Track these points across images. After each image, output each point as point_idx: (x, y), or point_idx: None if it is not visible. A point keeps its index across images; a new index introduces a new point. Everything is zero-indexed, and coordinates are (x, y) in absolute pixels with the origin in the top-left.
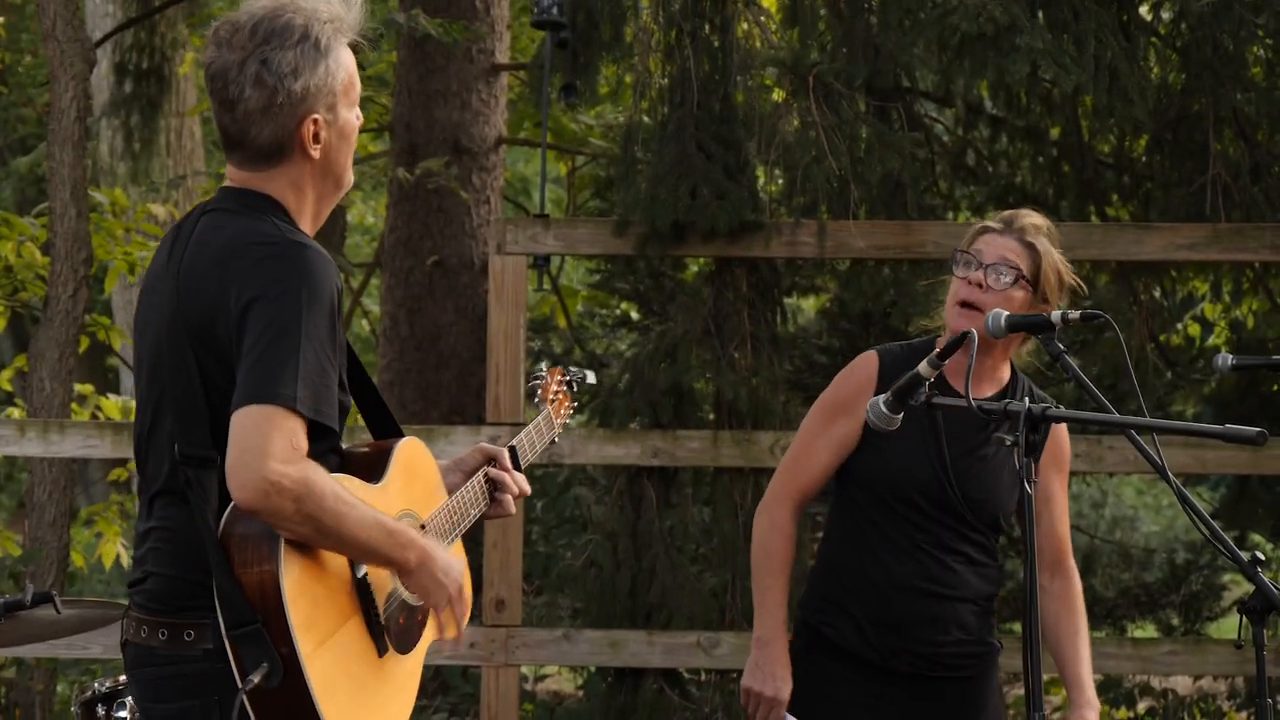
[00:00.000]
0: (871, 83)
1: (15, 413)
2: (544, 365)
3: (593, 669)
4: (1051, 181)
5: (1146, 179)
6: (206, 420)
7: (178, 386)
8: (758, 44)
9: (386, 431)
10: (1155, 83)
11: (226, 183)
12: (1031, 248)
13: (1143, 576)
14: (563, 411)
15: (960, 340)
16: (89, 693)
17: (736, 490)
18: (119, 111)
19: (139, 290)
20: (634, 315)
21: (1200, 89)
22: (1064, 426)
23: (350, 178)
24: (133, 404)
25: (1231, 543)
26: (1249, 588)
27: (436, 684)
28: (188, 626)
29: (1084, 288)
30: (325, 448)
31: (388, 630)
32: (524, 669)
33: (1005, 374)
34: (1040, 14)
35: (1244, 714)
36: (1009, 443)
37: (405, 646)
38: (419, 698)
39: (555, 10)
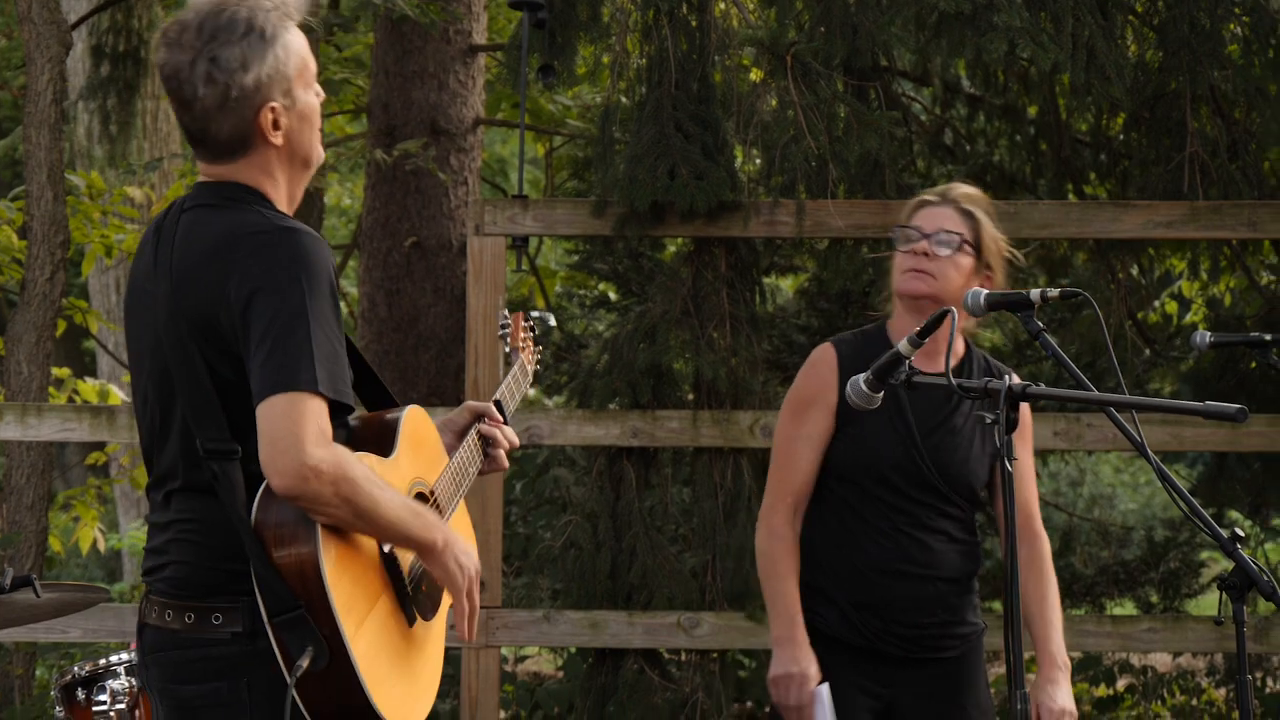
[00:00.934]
0: (849, 62)
1: None
2: (505, 311)
3: (573, 650)
4: (1029, 160)
5: (1124, 157)
6: (221, 413)
7: (186, 384)
8: (735, 23)
9: (380, 401)
10: (1133, 61)
11: (200, 178)
12: (970, 215)
13: (1121, 554)
14: (533, 356)
15: (940, 318)
16: (69, 676)
17: (716, 470)
18: (96, 94)
19: (126, 293)
20: (612, 296)
21: (1177, 67)
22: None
23: (319, 154)
24: (110, 388)
25: (1211, 520)
26: (1227, 565)
27: None
28: (215, 610)
29: (1019, 259)
30: (339, 424)
31: (414, 600)
32: (504, 650)
33: (961, 347)
34: None
35: (1223, 690)
36: (989, 420)
37: (430, 612)
38: None
39: None
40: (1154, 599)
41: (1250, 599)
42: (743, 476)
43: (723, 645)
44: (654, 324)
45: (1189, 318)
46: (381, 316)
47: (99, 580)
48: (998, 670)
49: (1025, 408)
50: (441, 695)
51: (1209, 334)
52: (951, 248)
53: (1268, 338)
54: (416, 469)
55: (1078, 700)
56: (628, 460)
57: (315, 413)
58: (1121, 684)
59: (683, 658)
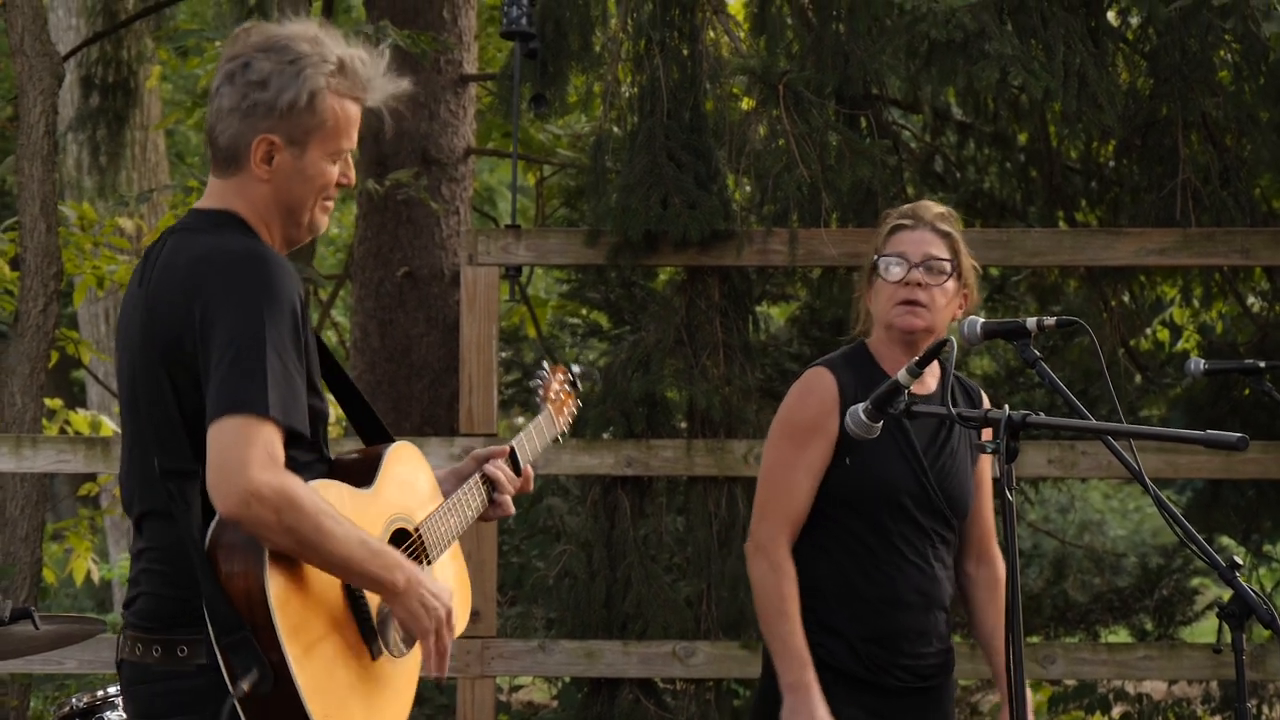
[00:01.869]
0: (841, 90)
1: None
2: (546, 364)
3: (568, 679)
4: (1020, 187)
5: (1115, 184)
6: (184, 435)
7: (153, 405)
8: (726, 53)
9: (375, 437)
10: (1124, 88)
11: (197, 204)
12: (948, 236)
13: (1114, 581)
14: (565, 411)
15: (939, 347)
16: (67, 709)
17: (710, 499)
18: (85, 125)
19: (117, 321)
20: (604, 324)
21: (1169, 94)
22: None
23: (315, 222)
24: (102, 419)
25: (1209, 548)
26: (1220, 591)
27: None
28: (181, 643)
29: (978, 268)
30: (309, 457)
31: (381, 634)
32: (499, 680)
33: (936, 367)
34: (1009, 21)
35: (1218, 718)
36: (989, 450)
37: (400, 648)
38: None
39: (524, 21)
40: (1149, 626)
41: (1248, 627)
42: (737, 505)
43: (718, 674)
44: (648, 353)
45: (1180, 345)
46: (374, 346)
47: (89, 610)
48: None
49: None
50: None
51: (1203, 361)
52: (943, 276)
53: (1262, 365)
54: (400, 504)
55: None
56: (622, 489)
57: (265, 438)
58: (1117, 712)
59: (678, 687)
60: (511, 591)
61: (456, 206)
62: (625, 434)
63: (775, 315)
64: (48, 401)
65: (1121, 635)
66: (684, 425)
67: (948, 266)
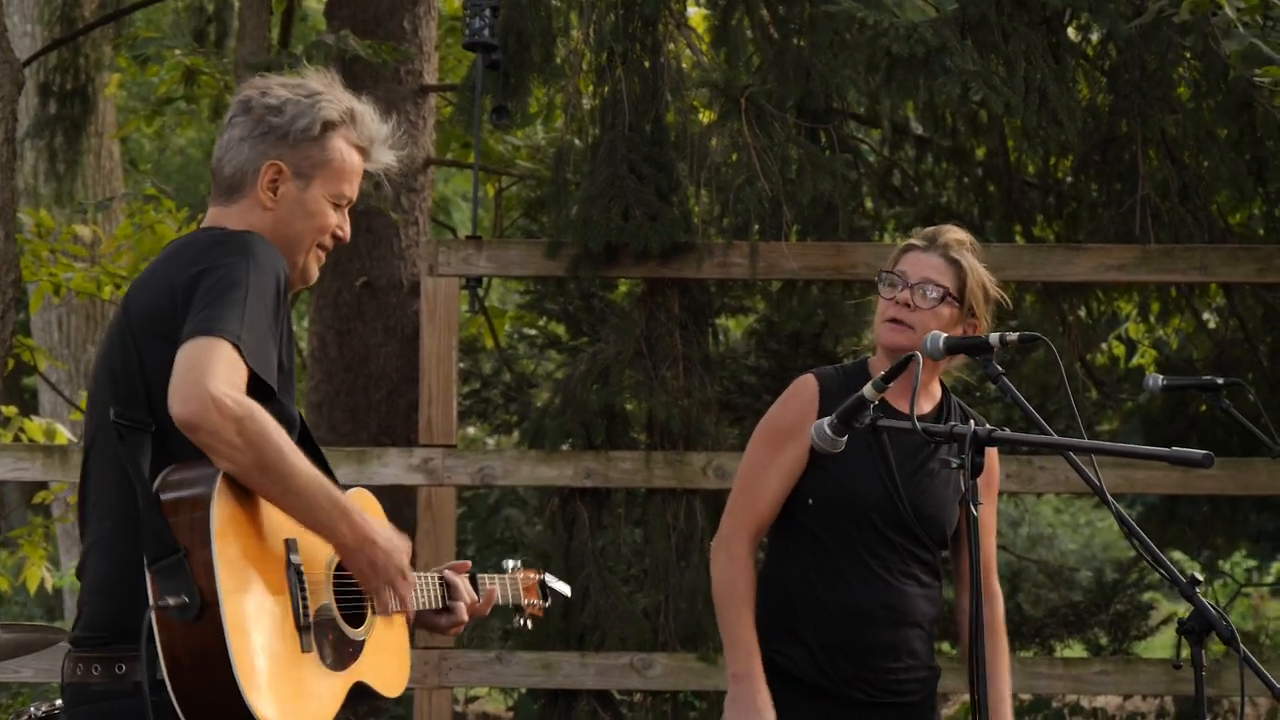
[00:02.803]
0: (802, 104)
1: None
2: (518, 564)
3: (525, 690)
4: (977, 201)
5: (1073, 199)
6: (141, 389)
7: (115, 370)
8: (688, 65)
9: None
10: (1084, 104)
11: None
12: (956, 264)
13: (1069, 595)
14: (530, 600)
15: (904, 363)
16: (25, 717)
17: (669, 511)
18: (43, 132)
19: None
20: (562, 336)
21: (1128, 110)
22: (994, 452)
23: (308, 269)
24: (57, 426)
25: (1170, 565)
26: (1174, 606)
27: (368, 706)
28: (119, 660)
29: (1009, 302)
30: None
31: (311, 631)
32: (455, 690)
33: (938, 391)
34: (969, 36)
35: None
36: (955, 465)
37: (332, 663)
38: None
39: (486, 32)
40: (1103, 641)
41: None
42: (695, 518)
43: (675, 686)
44: (607, 365)
45: (1136, 360)
46: (332, 356)
47: (38, 618)
48: (946, 712)
49: (994, 459)
50: None
51: (1161, 377)
52: (934, 300)
53: (1220, 381)
54: None
55: None
56: (580, 501)
57: (231, 359)
58: None
59: (635, 699)
60: None
61: (415, 217)
62: (584, 445)
63: (732, 328)
64: (3, 409)
65: (1076, 650)
66: (643, 437)
67: (940, 293)
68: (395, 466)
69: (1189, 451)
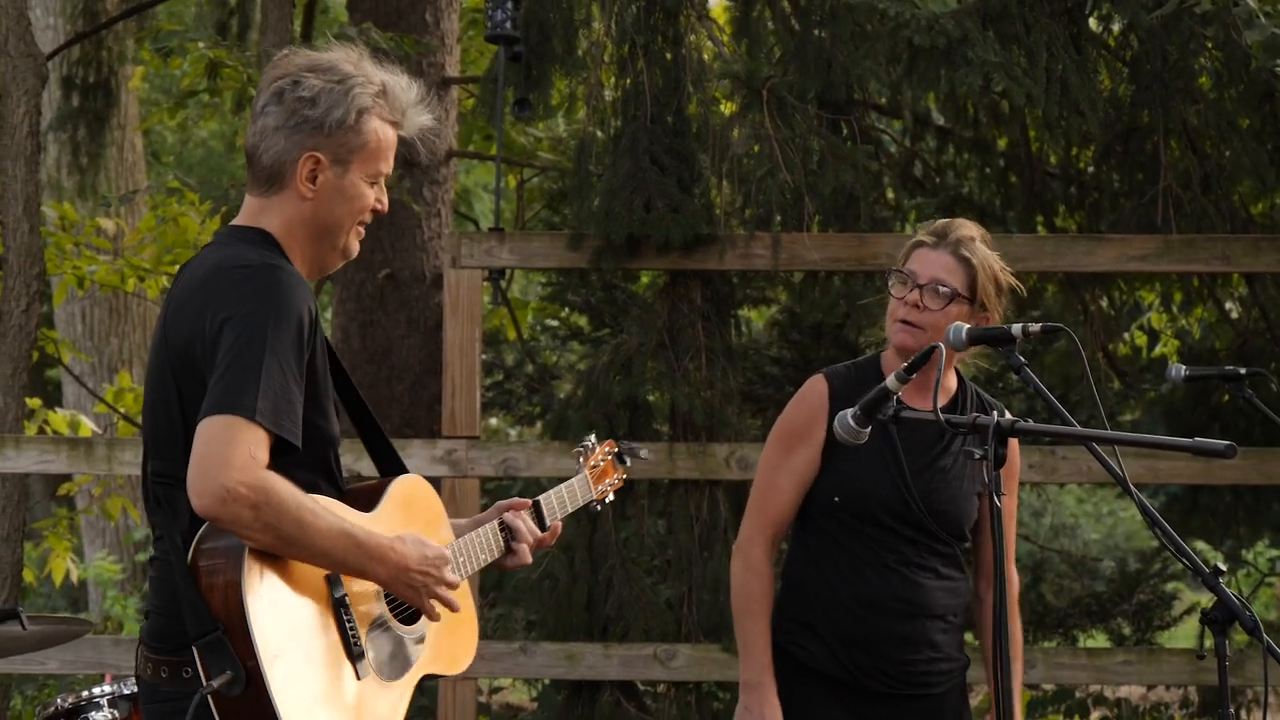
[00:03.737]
0: (823, 95)
1: None
2: (593, 436)
3: (548, 681)
4: (999, 192)
5: (1094, 190)
6: (181, 441)
7: (157, 410)
8: (709, 57)
9: (393, 470)
10: (1105, 94)
11: (234, 220)
12: (966, 261)
13: (1092, 586)
14: (606, 481)
15: (926, 355)
16: (52, 709)
17: (692, 502)
18: (66, 125)
19: None
20: (584, 328)
21: (1149, 100)
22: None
23: (349, 246)
24: (80, 418)
25: (1194, 554)
26: (1196, 596)
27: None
28: (186, 664)
29: (1023, 290)
30: (310, 478)
31: (369, 655)
32: (479, 681)
33: (953, 383)
34: (991, 27)
35: None
36: (978, 456)
37: (392, 673)
38: None
39: (509, 25)
40: (1126, 631)
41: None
42: (718, 508)
43: (699, 677)
44: (630, 356)
45: (1158, 350)
46: (355, 348)
47: (63, 610)
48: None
49: (1015, 448)
50: None
51: (1184, 367)
52: (944, 300)
53: (1242, 371)
54: (402, 532)
55: None
56: None
57: (249, 438)
58: (1095, 716)
59: (659, 689)
60: (493, 593)
61: (438, 209)
62: (607, 436)
63: (754, 319)
64: (28, 401)
65: (1099, 640)
66: (666, 429)
67: (949, 293)
68: (418, 458)
69: (1211, 441)
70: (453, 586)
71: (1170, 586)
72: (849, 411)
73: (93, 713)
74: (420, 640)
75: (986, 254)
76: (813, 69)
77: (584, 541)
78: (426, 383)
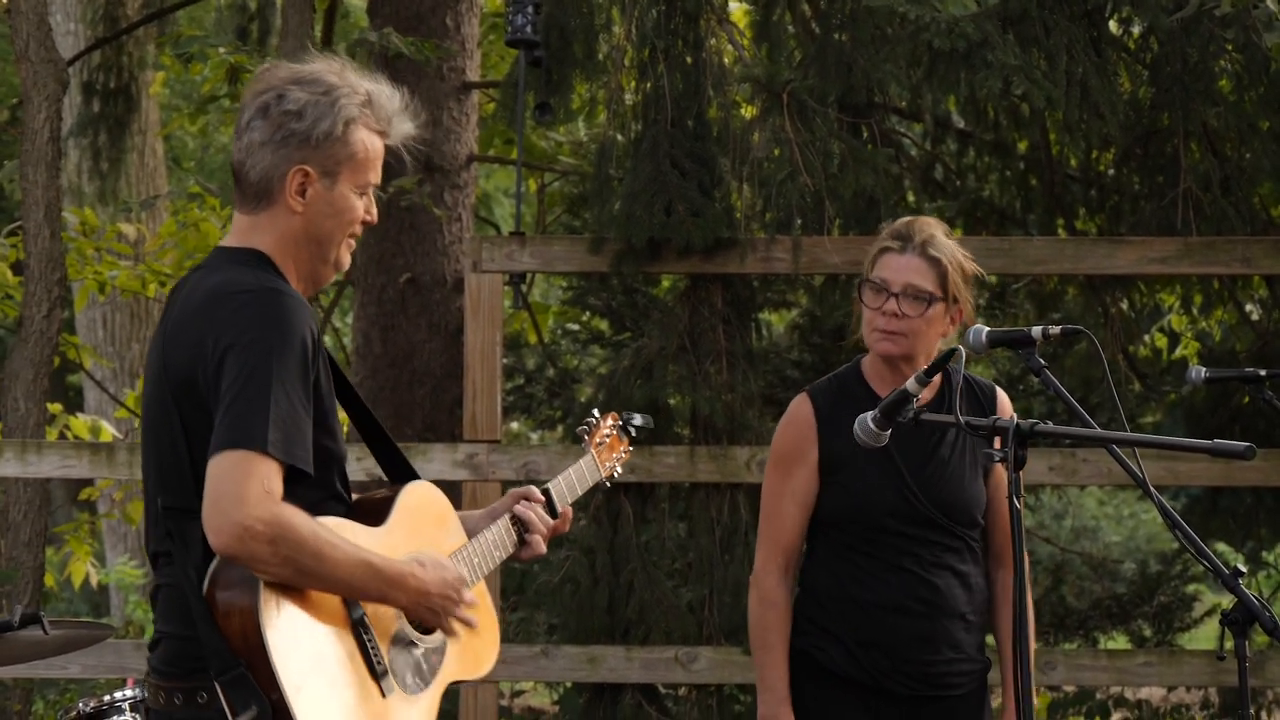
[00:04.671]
0: (843, 99)
1: None
2: (595, 411)
3: (570, 684)
4: (1019, 195)
5: (1114, 192)
6: (189, 471)
7: (160, 439)
8: (729, 60)
9: (402, 475)
10: (1125, 97)
11: (223, 240)
12: (936, 261)
13: (1113, 587)
14: (614, 455)
15: (946, 358)
16: (74, 713)
17: (713, 505)
18: (86, 131)
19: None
20: (605, 331)
21: (1170, 103)
22: (1008, 405)
23: (341, 258)
24: (101, 423)
25: (1214, 556)
26: (1217, 598)
27: None
28: (200, 689)
29: (984, 274)
30: (318, 496)
31: (392, 671)
32: (501, 684)
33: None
34: (1011, 30)
35: None
36: (997, 459)
37: (417, 686)
38: None
39: (529, 29)
40: (1147, 633)
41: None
42: (739, 511)
43: (720, 680)
44: (651, 360)
45: (1179, 352)
46: (376, 353)
47: (84, 614)
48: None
49: (1005, 404)
50: None
51: (1204, 369)
52: (922, 305)
53: (1263, 373)
54: (415, 544)
55: None
56: (625, 496)
57: (260, 473)
58: (1116, 717)
59: (680, 692)
60: (514, 597)
61: (459, 213)
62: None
63: (775, 322)
64: (49, 406)
65: (1120, 641)
66: (686, 432)
67: (926, 298)
68: (440, 462)
69: (1231, 444)
70: (472, 605)
71: (1191, 588)
72: (869, 415)
73: (114, 717)
74: (442, 649)
75: (951, 248)
76: (833, 72)
77: (605, 545)
78: (447, 387)
